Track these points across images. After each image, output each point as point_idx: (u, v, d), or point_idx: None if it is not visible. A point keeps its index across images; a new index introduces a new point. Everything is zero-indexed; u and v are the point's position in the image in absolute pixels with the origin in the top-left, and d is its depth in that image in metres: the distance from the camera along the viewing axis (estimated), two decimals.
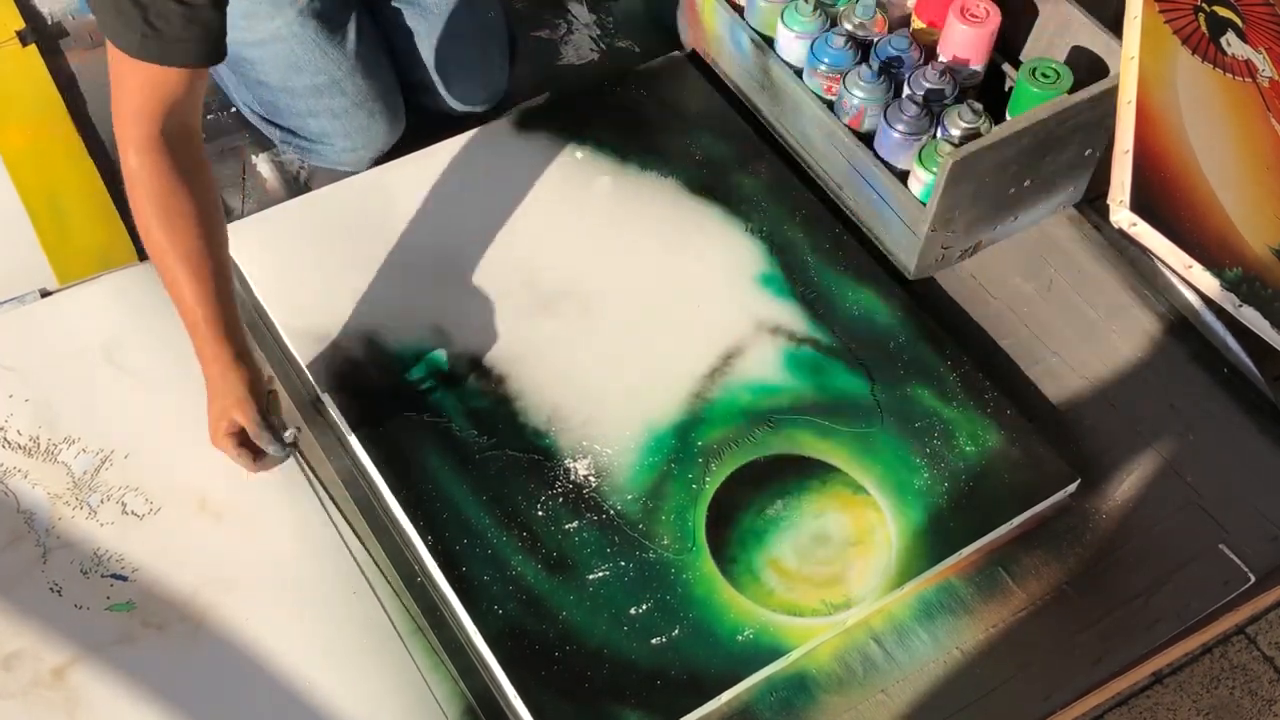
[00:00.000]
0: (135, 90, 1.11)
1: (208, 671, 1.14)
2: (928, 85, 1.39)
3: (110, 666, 1.14)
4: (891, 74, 1.42)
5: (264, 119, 1.51)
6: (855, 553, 1.22)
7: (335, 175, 1.50)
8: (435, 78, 1.52)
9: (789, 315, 1.38)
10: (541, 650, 1.15)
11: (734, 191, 1.48)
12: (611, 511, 1.23)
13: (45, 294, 1.38)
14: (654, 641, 1.16)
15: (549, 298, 1.38)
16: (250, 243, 1.41)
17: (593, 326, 1.36)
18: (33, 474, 1.24)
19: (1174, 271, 1.33)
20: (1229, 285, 1.24)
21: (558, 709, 1.12)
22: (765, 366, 1.34)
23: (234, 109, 1.56)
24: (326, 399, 1.30)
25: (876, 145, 1.42)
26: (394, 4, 1.50)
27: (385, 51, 1.51)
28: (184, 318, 1.18)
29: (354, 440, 1.27)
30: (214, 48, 1.11)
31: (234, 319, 1.19)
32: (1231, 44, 1.41)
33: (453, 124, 1.54)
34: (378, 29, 1.51)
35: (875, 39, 1.45)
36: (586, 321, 1.37)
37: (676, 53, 1.65)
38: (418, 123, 1.57)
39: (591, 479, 1.25)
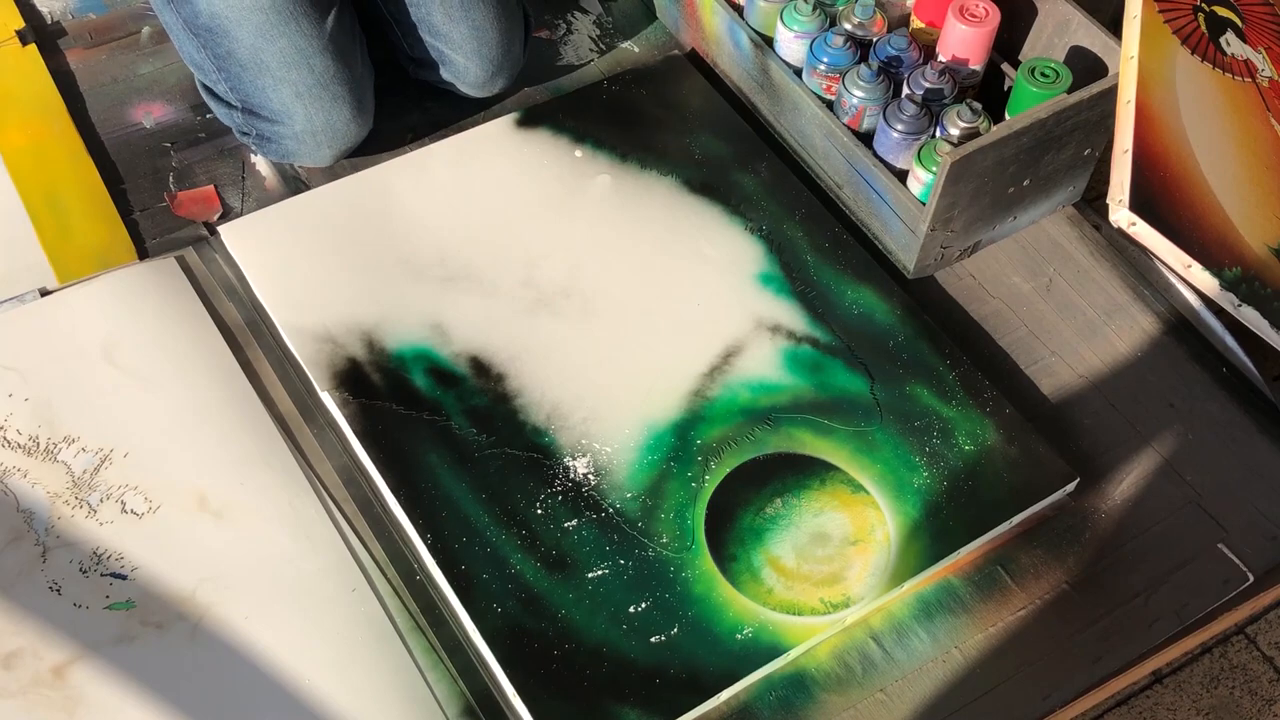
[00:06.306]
0: None
1: (207, 670, 1.14)
2: (927, 85, 1.39)
3: (110, 665, 1.14)
4: (890, 74, 1.42)
5: (226, 104, 1.50)
6: (854, 551, 1.22)
7: (332, 174, 1.50)
8: (450, 46, 1.51)
9: (788, 314, 1.38)
10: (540, 648, 1.15)
11: (734, 191, 1.48)
12: (610, 510, 1.23)
13: (45, 293, 1.38)
14: (653, 640, 1.16)
15: (548, 296, 1.38)
16: (250, 241, 1.41)
17: (592, 325, 1.36)
18: (32, 473, 1.25)
19: (1173, 271, 1.33)
20: (1228, 285, 1.24)
21: (556, 707, 1.12)
22: (765, 365, 1.34)
23: None
24: (326, 398, 1.30)
25: (876, 145, 1.42)
26: None
27: (363, 47, 1.50)
28: None
29: (353, 439, 1.27)
30: None
31: None
32: (1231, 44, 1.41)
33: (457, 114, 1.53)
34: (358, 27, 1.50)
35: (874, 39, 1.45)
36: (586, 320, 1.37)
37: (676, 53, 1.65)
38: (420, 120, 1.57)
39: (591, 477, 1.25)
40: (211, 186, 1.51)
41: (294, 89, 1.43)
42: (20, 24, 1.61)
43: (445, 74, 1.54)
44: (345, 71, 1.45)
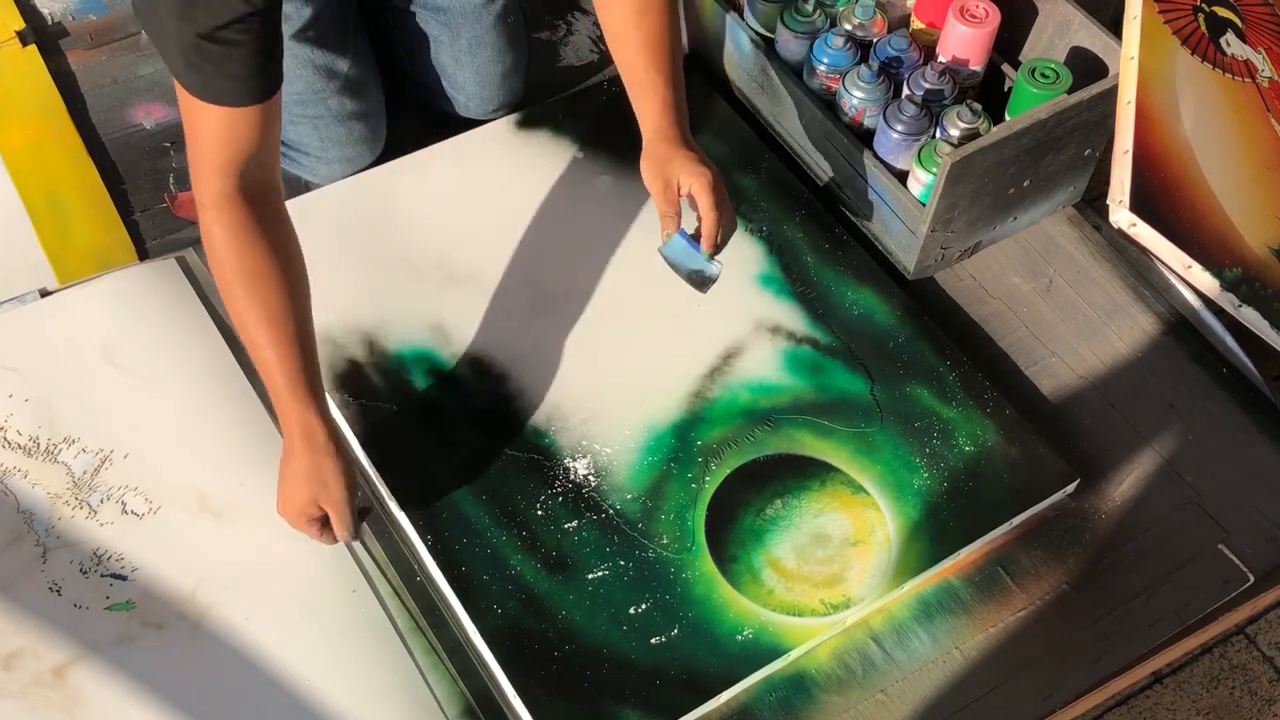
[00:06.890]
0: (209, 140, 1.06)
1: (207, 670, 1.14)
2: (927, 86, 1.39)
3: (110, 666, 1.14)
4: (891, 74, 1.42)
5: None
6: (854, 552, 1.22)
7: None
8: (452, 86, 1.52)
9: (789, 315, 1.38)
10: (540, 650, 1.15)
11: (734, 192, 1.47)
12: (611, 511, 1.23)
13: (45, 294, 1.38)
14: (653, 641, 1.16)
15: (548, 297, 1.38)
16: None
17: (592, 326, 1.36)
18: (33, 474, 1.25)
19: (1173, 271, 1.33)
20: (1228, 285, 1.24)
21: (557, 708, 1.12)
22: (765, 366, 1.34)
23: None
24: (326, 399, 1.30)
25: (876, 145, 1.42)
26: (414, 8, 1.50)
27: (377, 74, 1.51)
28: (266, 381, 1.13)
29: (353, 440, 1.27)
30: (268, 82, 1.06)
31: (318, 384, 1.14)
32: (1231, 44, 1.41)
33: (456, 125, 1.54)
34: (373, 51, 1.51)
35: (875, 39, 1.45)
36: (586, 321, 1.37)
37: None
38: (419, 123, 1.57)
39: (591, 478, 1.25)
40: None
41: (310, 124, 1.44)
42: (21, 24, 1.61)
43: (446, 105, 1.55)
44: (361, 106, 1.46)
